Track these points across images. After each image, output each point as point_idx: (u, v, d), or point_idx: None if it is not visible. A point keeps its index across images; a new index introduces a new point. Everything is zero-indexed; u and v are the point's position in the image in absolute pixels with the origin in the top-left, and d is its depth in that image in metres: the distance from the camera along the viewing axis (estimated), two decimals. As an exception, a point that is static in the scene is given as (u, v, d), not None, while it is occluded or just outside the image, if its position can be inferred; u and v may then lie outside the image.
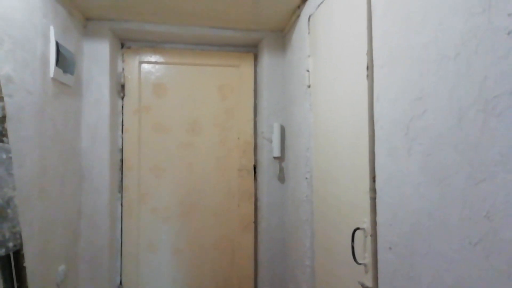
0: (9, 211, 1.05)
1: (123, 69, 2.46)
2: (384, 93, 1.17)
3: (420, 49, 0.97)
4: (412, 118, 1.02)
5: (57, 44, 1.78)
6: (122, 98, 2.45)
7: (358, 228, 1.32)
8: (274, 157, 2.41)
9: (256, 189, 2.58)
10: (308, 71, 1.92)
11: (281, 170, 2.42)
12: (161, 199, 2.48)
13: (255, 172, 2.58)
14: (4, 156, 1.07)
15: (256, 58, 2.62)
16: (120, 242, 2.40)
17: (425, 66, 0.96)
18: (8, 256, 1.12)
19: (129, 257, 2.41)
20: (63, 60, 1.84)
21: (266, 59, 2.43)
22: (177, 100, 2.52)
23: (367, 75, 1.28)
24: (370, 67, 1.26)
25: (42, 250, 1.64)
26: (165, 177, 2.49)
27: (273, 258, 2.38)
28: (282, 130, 2.40)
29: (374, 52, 1.23)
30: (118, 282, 2.39)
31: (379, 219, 1.21)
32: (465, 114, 0.81)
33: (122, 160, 2.44)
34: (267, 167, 2.42)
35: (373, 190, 1.25)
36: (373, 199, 1.24)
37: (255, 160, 2.59)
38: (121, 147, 2.45)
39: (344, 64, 1.51)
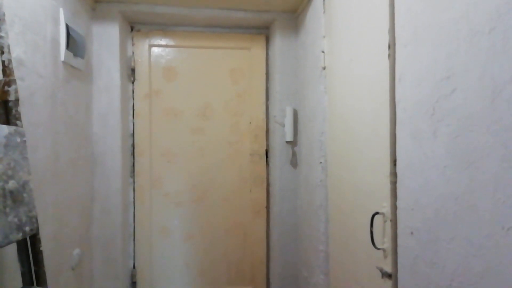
0: (25, 195, 1.04)
1: (133, 52, 2.42)
2: (407, 73, 1.12)
3: (450, 25, 0.92)
4: (438, 98, 0.97)
5: (67, 27, 1.75)
6: (133, 82, 2.43)
7: (377, 213, 1.29)
8: (287, 142, 2.37)
9: (268, 174, 2.56)
10: (323, 52, 1.87)
11: (294, 154, 2.39)
12: (173, 184, 2.47)
13: (267, 157, 2.56)
14: (19, 140, 1.05)
15: (268, 41, 2.56)
16: (132, 227, 2.41)
17: (455, 44, 0.90)
18: (25, 240, 1.12)
19: (141, 241, 2.42)
20: (74, 43, 1.81)
21: (278, 41, 2.37)
22: (188, 84, 2.48)
23: (389, 55, 1.23)
24: (392, 46, 1.21)
25: (56, 234, 1.65)
26: (176, 162, 2.47)
27: (285, 243, 2.38)
28: (295, 114, 2.36)
29: (396, 30, 1.18)
30: (132, 265, 2.41)
31: (399, 203, 1.17)
32: (500, 93, 0.77)
33: (133, 145, 2.43)
34: (280, 152, 2.39)
35: (393, 174, 1.21)
36: (394, 183, 1.21)
37: (267, 145, 2.56)
38: (132, 132, 2.43)
39: (362, 44, 1.46)
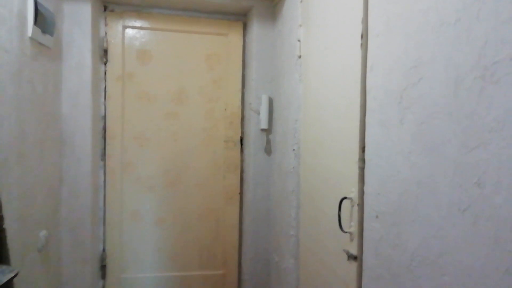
0: (-13, 172, 1.00)
1: (105, 33, 2.35)
2: (379, 62, 1.15)
3: (420, 16, 0.95)
4: (406, 87, 1.01)
5: (36, 2, 1.67)
6: (105, 64, 2.36)
7: (345, 198, 1.33)
8: (262, 129, 2.39)
9: (242, 161, 2.57)
10: (299, 41, 1.88)
11: (268, 142, 2.41)
12: (145, 169, 2.44)
13: (241, 144, 2.56)
14: (-19, 115, 1.01)
15: (245, 27, 2.55)
16: (103, 210, 2.37)
17: (423, 34, 0.94)
18: (-13, 218, 1.08)
19: (112, 225, 2.39)
20: (42, 19, 1.74)
21: (256, 28, 2.37)
22: (162, 68, 2.44)
23: (361, 44, 1.25)
24: (364, 36, 1.24)
25: (21, 215, 1.60)
26: (149, 147, 2.44)
27: (258, 229, 2.41)
28: (270, 102, 2.37)
29: (369, 20, 1.20)
30: (101, 249, 2.37)
31: (367, 188, 1.22)
32: (462, 82, 0.80)
33: (104, 128, 2.37)
34: (254, 139, 2.41)
35: (362, 160, 1.25)
36: (362, 169, 1.25)
37: (242, 132, 2.56)
38: (103, 114, 2.37)
39: (337, 33, 1.48)
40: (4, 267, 1.14)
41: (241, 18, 2.55)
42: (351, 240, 1.31)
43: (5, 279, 1.08)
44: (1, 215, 1.12)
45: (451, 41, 0.84)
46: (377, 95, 1.15)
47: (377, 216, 1.15)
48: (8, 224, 1.39)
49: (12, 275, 1.12)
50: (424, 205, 0.92)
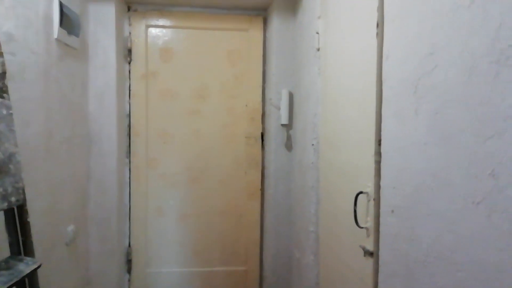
0: (11, 166, 1.06)
1: (129, 33, 2.42)
2: (394, 51, 1.11)
3: (433, -1, 0.91)
4: (421, 76, 0.96)
5: (61, 4, 1.74)
6: (129, 63, 2.43)
7: (361, 192, 1.29)
8: (282, 125, 2.37)
9: (263, 156, 2.57)
10: (317, 33, 1.85)
11: (289, 137, 2.39)
12: (169, 165, 2.49)
13: (262, 139, 2.56)
14: (5, 112, 1.07)
15: (265, 22, 2.54)
16: (128, 206, 2.45)
17: (438, 18, 0.89)
18: (12, 210, 1.14)
19: (137, 220, 2.46)
20: (67, 21, 1.81)
21: (276, 23, 2.35)
22: (184, 66, 2.48)
23: (377, 33, 1.21)
24: (380, 24, 1.20)
25: (50, 209, 1.68)
26: (172, 143, 2.49)
27: (279, 224, 2.40)
28: (291, 97, 2.35)
29: (385, 6, 1.16)
30: (127, 244, 2.45)
31: (383, 182, 1.18)
32: (476, 67, 0.76)
33: (129, 126, 2.45)
34: (275, 135, 2.40)
35: (378, 153, 1.21)
36: (378, 163, 1.21)
37: (263, 128, 2.56)
38: (128, 112, 2.44)
39: (353, 24, 1.44)
40: (28, 259, 1.20)
41: (261, 13, 2.54)
42: (368, 235, 1.28)
43: (28, 270, 1.13)
44: (25, 209, 1.18)
45: (466, 25, 0.80)
46: (392, 84, 1.11)
47: (392, 211, 1.11)
48: (36, 219, 1.47)
49: (35, 266, 1.17)
50: (439, 198, 0.88)
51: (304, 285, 2.05)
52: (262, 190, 2.57)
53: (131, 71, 2.43)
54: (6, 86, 1.14)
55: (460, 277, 0.80)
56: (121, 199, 2.36)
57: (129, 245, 2.45)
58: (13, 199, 1.06)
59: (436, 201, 0.89)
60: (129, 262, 2.45)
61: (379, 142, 1.21)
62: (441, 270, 0.87)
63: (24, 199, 1.13)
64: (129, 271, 2.45)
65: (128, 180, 2.45)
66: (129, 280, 2.46)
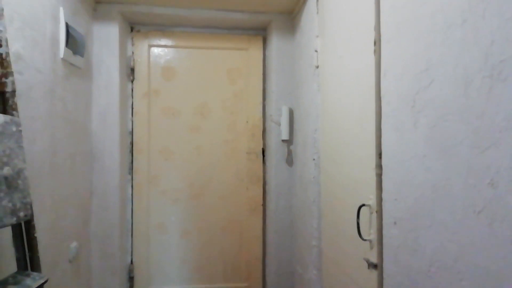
0: (19, 182, 1.08)
1: (132, 52, 2.47)
2: (391, 67, 1.15)
3: (427, 19, 0.96)
4: (418, 90, 1.00)
5: (67, 25, 1.80)
6: (132, 82, 2.47)
7: (363, 205, 1.31)
8: (283, 140, 2.41)
9: (264, 172, 2.59)
10: (316, 51, 1.90)
11: (289, 153, 2.42)
12: (171, 182, 2.51)
13: (263, 155, 2.59)
14: (14, 129, 1.10)
15: (265, 41, 2.61)
16: (130, 223, 2.45)
17: (432, 36, 0.94)
18: (19, 226, 1.16)
19: (139, 237, 2.45)
20: (73, 41, 1.86)
21: (275, 42, 2.42)
22: (186, 84, 2.53)
23: (375, 51, 1.26)
24: (377, 42, 1.25)
25: (54, 226, 1.69)
26: (174, 160, 2.51)
27: (281, 240, 2.40)
28: (291, 113, 2.39)
29: (381, 26, 1.21)
30: (129, 261, 2.44)
31: (384, 195, 1.20)
32: (471, 82, 0.80)
33: (132, 143, 2.47)
34: (276, 150, 2.43)
35: (379, 166, 1.24)
36: (379, 176, 1.24)
37: (264, 144, 2.59)
38: (131, 130, 2.48)
39: (351, 42, 1.49)
40: (35, 274, 1.20)
41: (260, 33, 2.61)
42: (371, 248, 1.29)
43: (35, 285, 1.14)
44: (32, 224, 1.19)
45: (458, 42, 0.84)
46: (391, 100, 1.15)
47: (395, 223, 1.13)
48: (40, 235, 1.48)
49: (42, 281, 1.18)
50: (440, 209, 0.90)
51: (307, 301, 2.04)
52: (264, 205, 2.59)
53: (133, 90, 2.48)
54: (16, 104, 1.17)
55: (463, 286, 0.81)
56: (124, 216, 2.36)
57: (131, 262, 2.44)
58: (21, 214, 1.08)
59: (438, 212, 0.91)
60: (131, 279, 2.43)
61: (379, 155, 1.24)
62: (445, 279, 0.88)
63: (32, 215, 1.15)
64: (130, 289, 2.44)
65: (131, 197, 2.46)
66: (130, 299, 2.44)
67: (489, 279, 0.74)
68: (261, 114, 2.58)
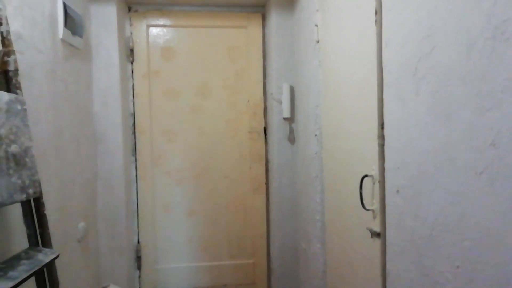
0: (27, 159, 1.10)
1: (131, 33, 2.45)
2: (393, 36, 1.15)
3: (429, -17, 0.95)
4: (420, 58, 1.00)
5: (65, 5, 1.78)
6: (132, 63, 2.46)
7: (366, 175, 1.33)
8: (284, 118, 2.41)
9: (266, 151, 2.60)
10: (316, 25, 1.89)
11: (291, 131, 2.43)
12: (174, 162, 2.53)
13: (265, 134, 2.60)
14: (19, 107, 1.11)
15: (264, 18, 2.58)
16: (136, 203, 2.48)
17: (434, 1, 0.93)
18: (29, 203, 1.18)
19: (145, 217, 2.49)
20: (72, 21, 1.85)
21: (274, 19, 2.39)
22: (186, 64, 2.51)
23: (376, 21, 1.25)
24: (378, 12, 1.24)
25: (61, 206, 1.71)
26: (177, 141, 2.53)
27: (285, 216, 2.44)
28: (292, 91, 2.39)
29: (382, -5, 1.20)
30: (136, 241, 2.48)
31: (387, 164, 1.22)
32: (473, 44, 0.80)
33: (134, 125, 2.48)
34: (277, 129, 2.44)
35: (381, 137, 1.25)
36: (382, 146, 1.25)
37: (265, 122, 2.60)
38: (133, 111, 2.48)
39: (352, 13, 1.48)
40: (46, 249, 1.23)
41: (259, 10, 2.58)
42: (374, 217, 1.32)
43: (47, 259, 1.17)
44: (42, 202, 1.22)
45: (461, 5, 0.83)
46: (392, 69, 1.15)
47: (398, 191, 1.15)
48: (49, 214, 1.50)
49: (54, 256, 1.21)
50: (442, 173, 0.92)
51: (311, 274, 2.09)
52: (267, 183, 2.61)
53: (133, 71, 2.47)
54: (19, 83, 1.18)
55: (466, 246, 0.84)
56: (129, 197, 2.39)
57: (138, 242, 2.49)
58: (30, 191, 1.10)
59: (440, 177, 0.93)
60: (138, 259, 2.48)
61: (382, 126, 1.25)
62: (447, 241, 0.90)
63: (41, 192, 1.17)
64: (139, 267, 2.49)
65: (135, 178, 2.48)
66: (139, 277, 2.49)
67: (490, 238, 0.76)
68: (262, 93, 2.58)
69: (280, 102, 2.40)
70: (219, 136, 2.56)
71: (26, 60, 1.42)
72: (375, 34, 1.26)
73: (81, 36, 1.98)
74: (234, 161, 2.58)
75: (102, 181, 2.24)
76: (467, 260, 0.83)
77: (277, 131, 2.43)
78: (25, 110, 1.14)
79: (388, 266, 1.22)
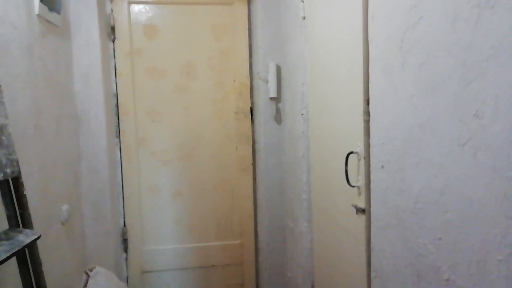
0: (3, 138, 1.06)
1: (112, 10, 2.37)
2: (379, 9, 1.13)
3: (416, -48, 0.92)
4: (406, 29, 0.99)
5: (40, -21, 1.70)
6: (113, 41, 2.39)
7: (351, 152, 1.33)
8: (271, 98, 2.39)
9: (253, 131, 2.58)
10: (302, 1, 1.85)
11: (278, 111, 2.41)
12: (160, 143, 2.49)
13: (252, 114, 2.57)
14: (-8, 84, 1.06)
15: (250, -4, 2.52)
16: (121, 185, 2.45)
17: (421, -29, 0.91)
18: (7, 183, 1.14)
19: (131, 199, 2.47)
20: (48, -4, 1.77)
21: (260, -5, 2.34)
22: (170, 42, 2.45)
23: (362, -7, 1.23)
24: (365, -16, 1.21)
25: (43, 188, 1.67)
26: (162, 122, 2.48)
27: (272, 197, 2.44)
28: (278, 70, 2.36)
29: (369, -33, 1.17)
30: (122, 223, 2.46)
31: (372, 141, 1.21)
32: (459, 14, 0.78)
33: (117, 105, 2.42)
34: (264, 109, 2.41)
35: (367, 113, 1.24)
36: (367, 122, 1.24)
37: (252, 102, 2.57)
38: (115, 91, 2.42)
39: (339, -13, 1.45)
40: (27, 230, 1.21)
41: (245, -13, 2.52)
42: (359, 194, 1.32)
43: (28, 240, 1.14)
44: (21, 182, 1.18)
45: (448, -26, 0.82)
46: (379, 42, 1.14)
47: (382, 166, 1.15)
48: (30, 196, 1.46)
49: (35, 237, 1.18)
50: (427, 146, 0.92)
51: (298, 252, 2.11)
52: (254, 164, 2.60)
53: (115, 49, 2.39)
54: (-8, 59, 1.12)
55: (448, 217, 0.84)
56: (114, 179, 2.36)
57: (124, 224, 2.47)
58: (8, 170, 1.06)
59: (424, 150, 0.93)
60: (125, 241, 2.47)
61: (367, 102, 1.24)
62: (430, 214, 0.91)
63: (19, 172, 1.13)
64: (125, 250, 2.48)
65: (119, 160, 2.44)
66: (126, 259, 2.48)
67: (472, 208, 0.77)
68: (248, 72, 2.54)
69: (267, 82, 2.37)
70: (205, 117, 2.52)
71: (1, 35, 1.36)
72: (361, 7, 1.24)
73: (58, 12, 1.90)
74: (221, 141, 2.56)
75: (85, 162, 2.20)
76: (449, 231, 0.84)
77: (264, 111, 2.41)
78: (0, 86, 1.09)
79: (372, 241, 1.23)
